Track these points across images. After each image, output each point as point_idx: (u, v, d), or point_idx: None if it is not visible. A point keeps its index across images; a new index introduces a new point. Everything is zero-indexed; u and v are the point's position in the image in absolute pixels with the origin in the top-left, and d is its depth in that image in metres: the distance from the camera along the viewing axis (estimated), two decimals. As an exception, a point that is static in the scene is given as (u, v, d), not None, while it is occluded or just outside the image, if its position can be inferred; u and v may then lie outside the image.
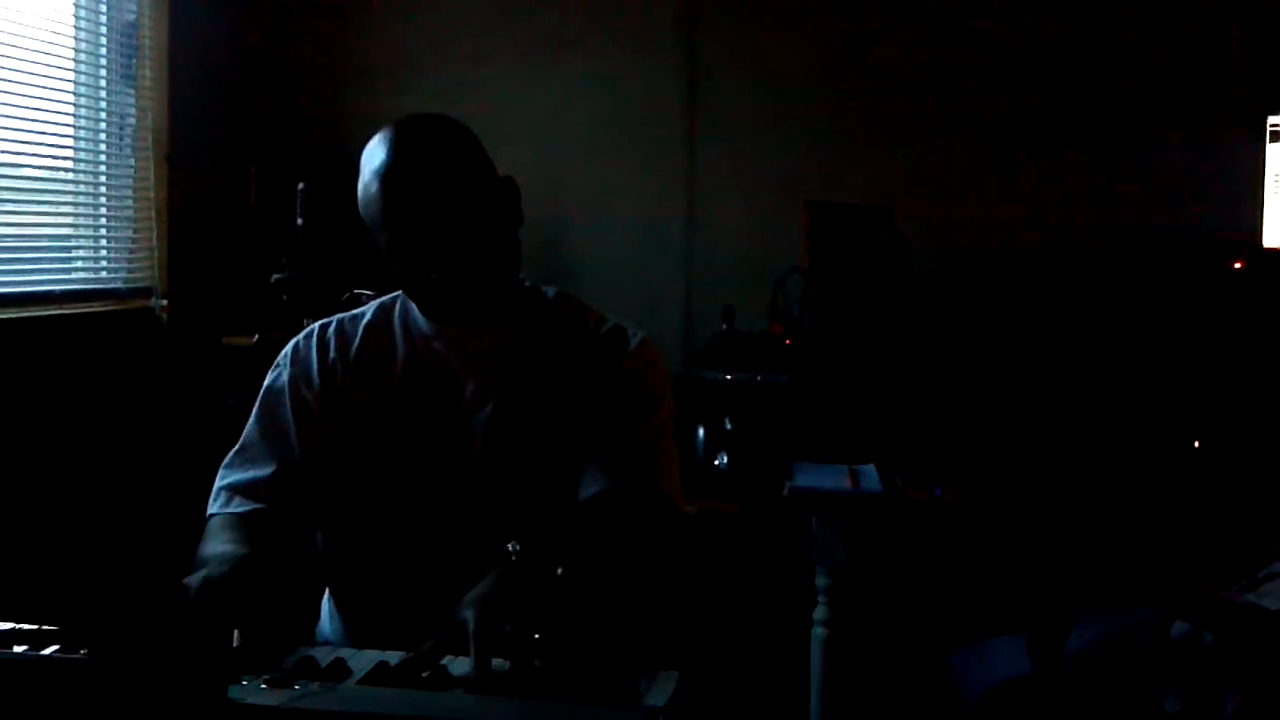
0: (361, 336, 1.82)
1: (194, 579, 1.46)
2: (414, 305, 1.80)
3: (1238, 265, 3.33)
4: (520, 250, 1.79)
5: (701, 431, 3.33)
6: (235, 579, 1.49)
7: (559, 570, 1.45)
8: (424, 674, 1.31)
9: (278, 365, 1.84)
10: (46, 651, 1.27)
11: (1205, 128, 3.56)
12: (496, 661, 1.31)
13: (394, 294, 1.85)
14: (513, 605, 1.36)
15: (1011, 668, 2.40)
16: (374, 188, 1.66)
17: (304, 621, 1.87)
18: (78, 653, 1.25)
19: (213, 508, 1.76)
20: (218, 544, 1.64)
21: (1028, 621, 2.26)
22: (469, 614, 1.36)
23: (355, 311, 1.88)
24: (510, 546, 1.48)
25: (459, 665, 1.33)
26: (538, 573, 1.44)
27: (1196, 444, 3.16)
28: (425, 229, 1.64)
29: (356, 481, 1.76)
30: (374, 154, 1.68)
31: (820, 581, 2.96)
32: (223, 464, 1.80)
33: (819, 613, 2.97)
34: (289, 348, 1.85)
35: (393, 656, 1.36)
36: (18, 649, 1.28)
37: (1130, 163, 3.62)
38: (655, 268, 3.88)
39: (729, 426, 3.32)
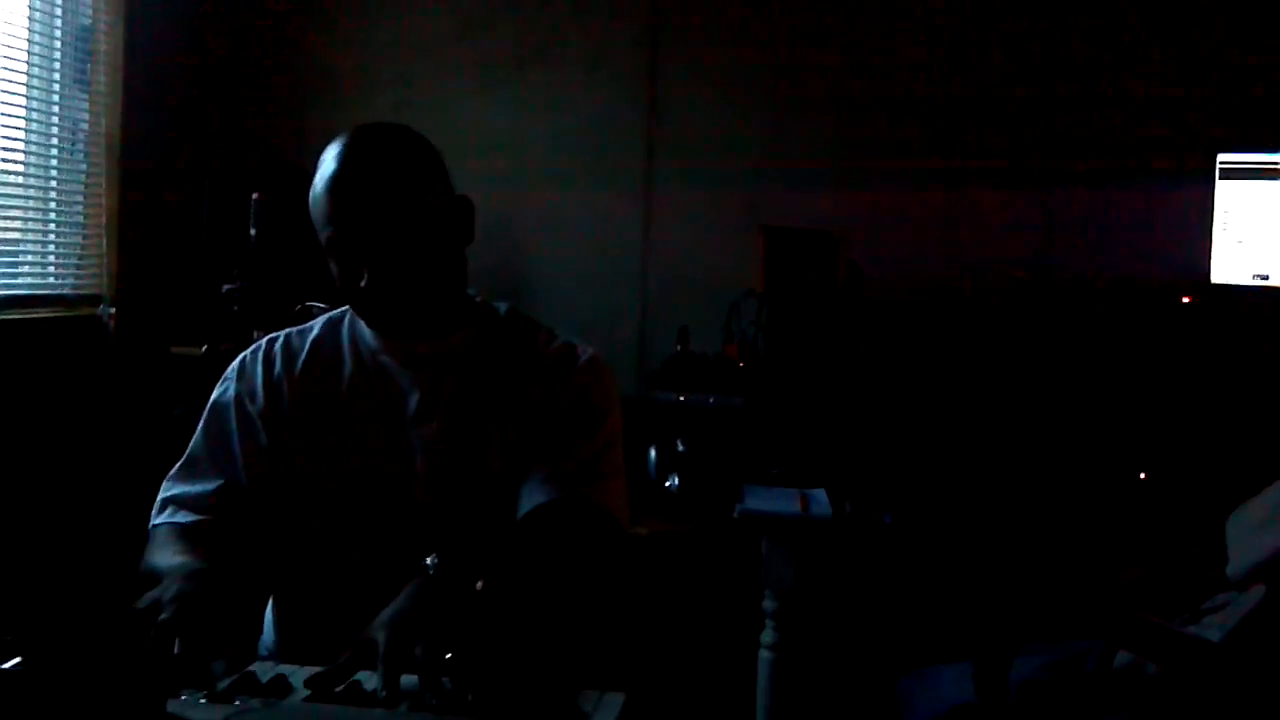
0: (309, 351, 1.81)
1: (165, 593, 1.44)
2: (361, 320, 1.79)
3: (1186, 300, 3.38)
4: (466, 266, 1.78)
5: (653, 452, 3.33)
6: (205, 593, 1.47)
7: (478, 584, 1.43)
8: (337, 689, 1.29)
9: (225, 379, 1.83)
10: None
11: (1155, 165, 3.61)
12: (408, 679, 1.29)
13: (343, 309, 1.84)
14: (424, 624, 1.34)
15: (957, 695, 2.40)
16: (321, 184, 1.67)
17: (249, 633, 1.85)
18: (11, 662, 1.22)
19: (157, 519, 1.75)
20: (168, 555, 1.62)
21: (973, 649, 2.26)
22: (380, 634, 1.34)
23: (304, 326, 1.87)
24: (428, 560, 1.47)
25: (372, 681, 1.31)
26: (455, 588, 1.42)
27: (1143, 475, 3.20)
28: (362, 228, 1.64)
29: (301, 496, 1.75)
30: (329, 151, 1.68)
31: (768, 604, 2.96)
32: (167, 476, 1.79)
33: (766, 636, 2.97)
34: (236, 362, 1.85)
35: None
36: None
37: (1083, 200, 3.67)
38: (611, 288, 3.88)
39: (681, 448, 3.32)
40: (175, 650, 1.34)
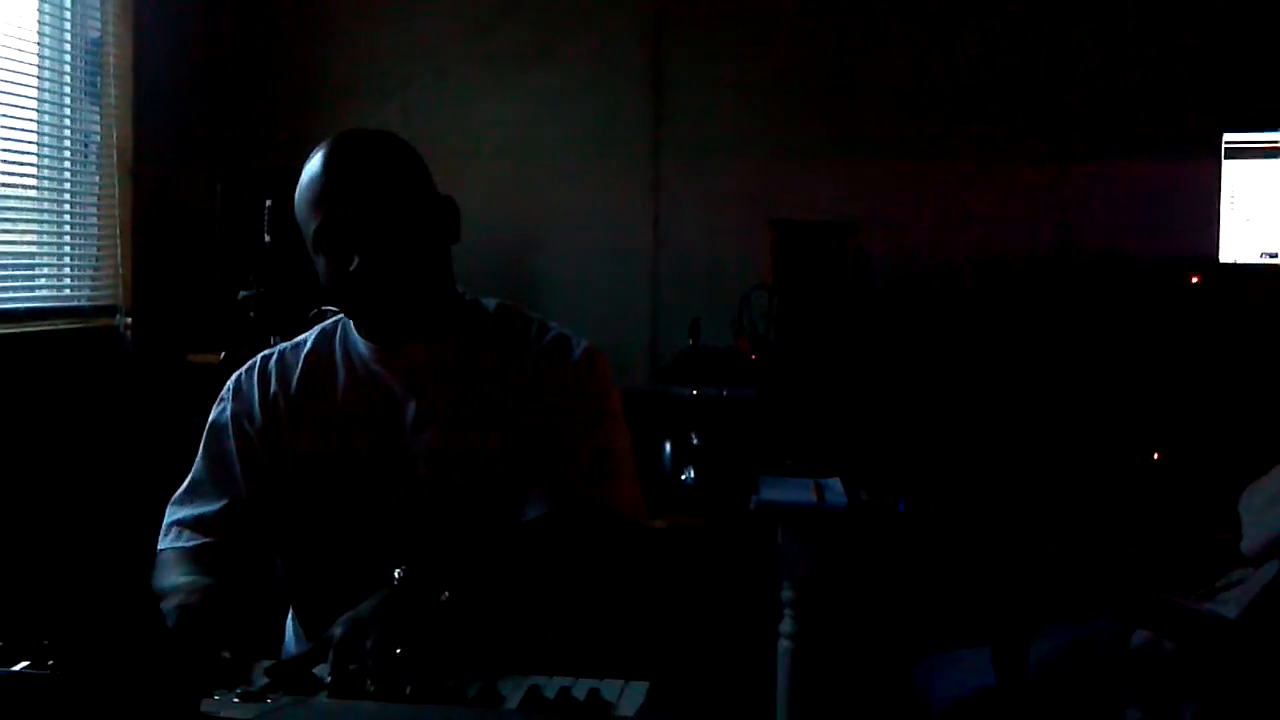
0: (303, 366, 1.82)
1: (168, 606, 1.47)
2: (353, 328, 1.80)
3: (1195, 280, 3.38)
4: (452, 267, 1.78)
5: (668, 446, 3.34)
6: (209, 606, 1.51)
7: (444, 595, 1.46)
8: (294, 682, 1.34)
9: (221, 400, 1.84)
10: (16, 668, 1.27)
11: (1162, 145, 3.61)
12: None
13: (335, 319, 1.85)
14: (379, 622, 1.38)
15: (976, 679, 2.42)
16: (308, 178, 1.69)
17: (269, 643, 1.87)
18: (45, 668, 1.25)
19: (163, 543, 1.76)
20: (176, 576, 1.64)
21: (991, 633, 2.28)
22: (336, 629, 1.40)
23: (297, 340, 1.87)
24: (396, 572, 1.49)
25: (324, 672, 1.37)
26: (417, 597, 1.45)
27: (1157, 455, 3.20)
28: (351, 211, 1.65)
29: (307, 508, 1.76)
30: (313, 155, 1.71)
31: (786, 594, 2.98)
32: (171, 500, 1.80)
33: (785, 625, 2.98)
34: (231, 381, 1.85)
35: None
36: (-12, 666, 1.28)
37: (1089, 180, 3.67)
38: (622, 283, 3.89)
39: (695, 441, 3.33)
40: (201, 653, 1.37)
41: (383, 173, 1.68)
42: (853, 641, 3.42)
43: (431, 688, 1.31)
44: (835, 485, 3.05)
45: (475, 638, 1.45)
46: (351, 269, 1.65)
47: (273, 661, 1.40)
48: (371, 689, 1.32)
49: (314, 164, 1.69)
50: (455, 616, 1.45)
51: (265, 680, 1.34)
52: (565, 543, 1.66)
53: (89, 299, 3.48)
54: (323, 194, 1.67)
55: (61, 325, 3.33)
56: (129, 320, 3.52)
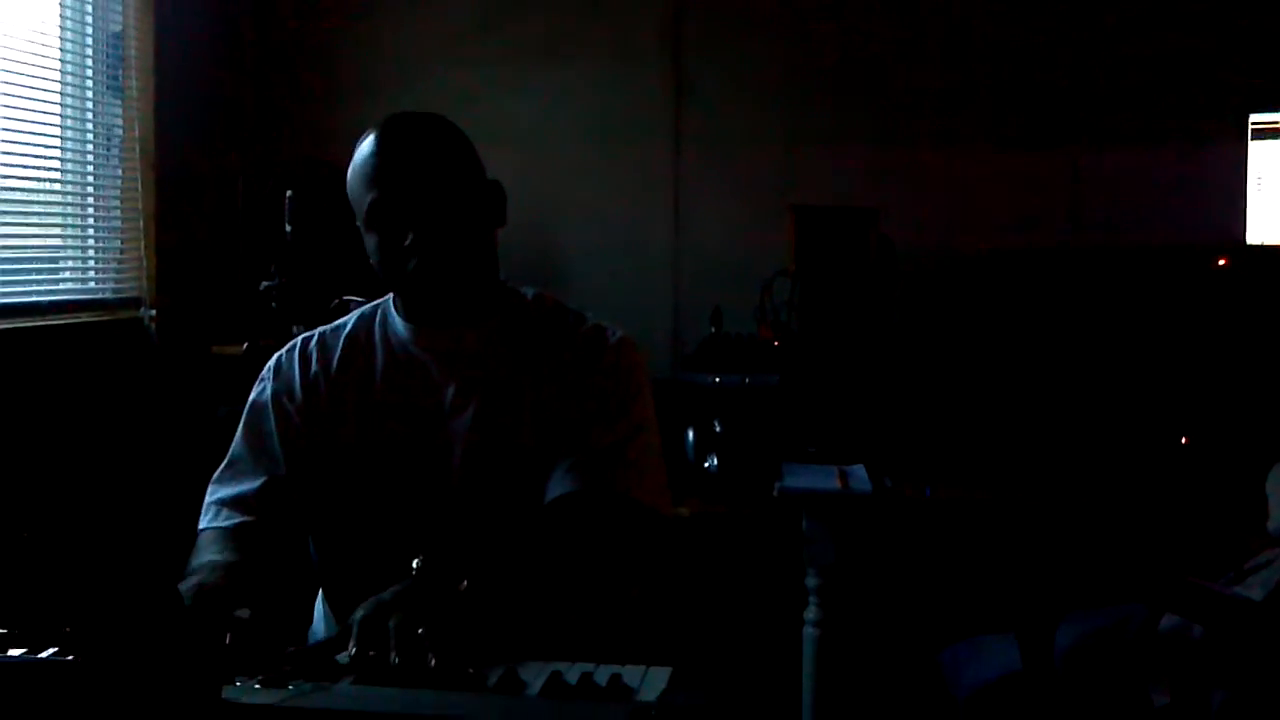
0: (343, 347, 1.83)
1: (185, 585, 1.48)
2: (393, 312, 1.81)
3: (1222, 263, 3.36)
4: (497, 251, 1.80)
5: (691, 434, 3.34)
6: (226, 585, 1.52)
7: (463, 584, 1.46)
8: (317, 668, 1.33)
9: (262, 379, 1.85)
10: (41, 655, 1.28)
11: (1188, 127, 3.58)
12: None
13: (375, 303, 1.86)
14: (401, 605, 1.39)
15: (1002, 664, 2.41)
16: (362, 157, 1.71)
17: (297, 625, 1.88)
18: (71, 656, 1.25)
19: (203, 522, 1.77)
20: (207, 555, 1.66)
21: (1018, 618, 2.27)
22: (359, 612, 1.40)
23: (337, 322, 1.89)
24: (415, 563, 1.50)
25: (345, 658, 1.36)
26: (437, 585, 1.45)
27: (1184, 439, 3.18)
28: (407, 188, 1.67)
29: (343, 490, 1.77)
30: (366, 136, 1.73)
31: (811, 582, 2.97)
32: (212, 479, 1.81)
33: (810, 613, 2.98)
34: (272, 361, 1.86)
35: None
36: (13, 653, 1.29)
37: (1114, 163, 3.64)
38: (643, 272, 3.89)
39: (718, 429, 3.33)
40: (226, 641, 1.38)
41: (436, 152, 1.71)
42: (878, 628, 3.42)
43: (454, 670, 1.31)
44: (859, 472, 3.04)
45: (496, 623, 1.45)
46: (406, 245, 1.67)
47: (295, 648, 1.40)
48: (395, 663, 1.32)
49: (367, 144, 1.72)
50: (475, 603, 1.45)
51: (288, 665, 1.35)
52: (582, 527, 1.66)
53: (113, 292, 3.49)
54: (378, 172, 1.69)
55: (86, 318, 3.34)
56: (153, 312, 3.53)
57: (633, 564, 1.71)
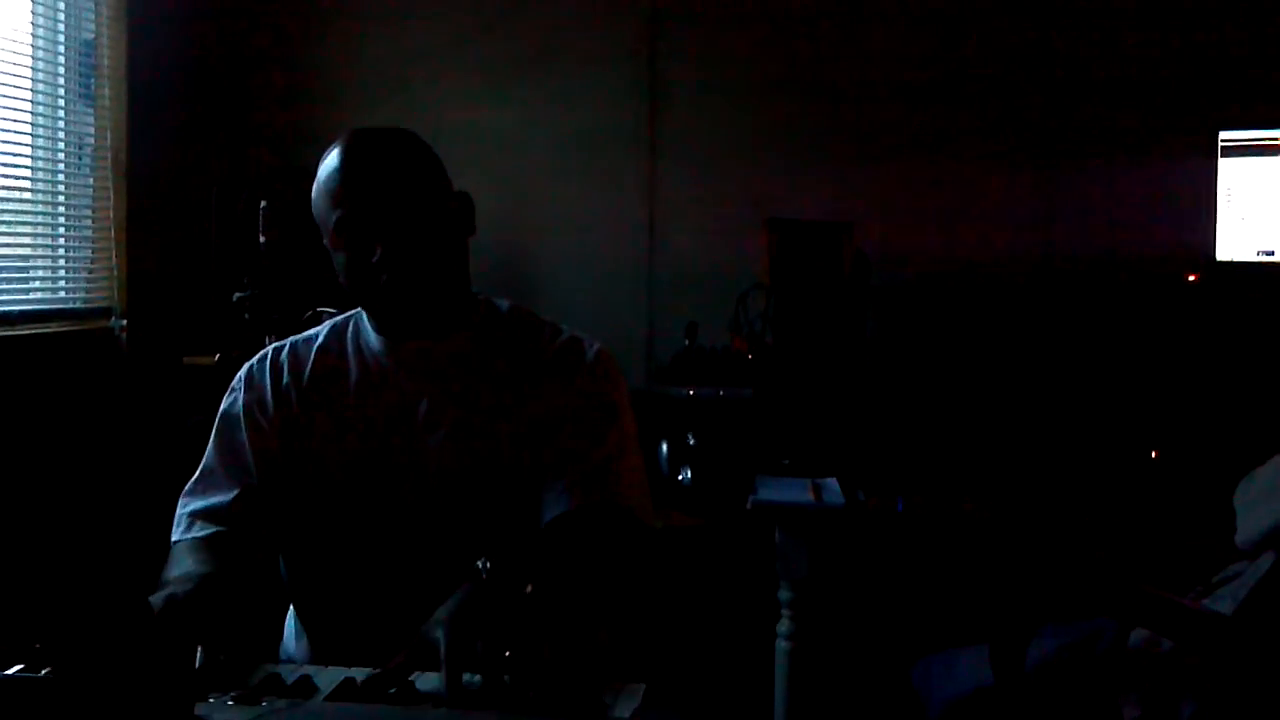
0: (314, 358, 1.82)
1: (157, 597, 1.46)
2: (366, 323, 1.80)
3: (1192, 278, 3.38)
4: (469, 261, 1.79)
5: (665, 446, 3.34)
6: (198, 596, 1.51)
7: (528, 588, 1.44)
8: (391, 690, 1.31)
9: (233, 390, 1.84)
10: (10, 671, 1.26)
11: (1157, 144, 3.62)
12: (466, 677, 1.31)
13: (347, 314, 1.85)
14: (483, 623, 1.36)
15: (974, 678, 2.41)
16: (328, 172, 1.69)
17: (268, 640, 1.86)
18: (41, 672, 1.24)
19: (175, 534, 1.75)
20: (180, 567, 1.64)
21: (990, 632, 2.27)
22: (440, 632, 1.36)
23: (309, 333, 1.87)
24: (480, 564, 1.48)
25: (426, 681, 1.34)
26: (508, 591, 1.43)
27: (1154, 453, 3.20)
28: (374, 202, 1.66)
29: (316, 502, 1.76)
30: (331, 150, 1.72)
31: (784, 594, 2.97)
32: (184, 491, 1.79)
33: (783, 626, 2.97)
34: (243, 372, 1.85)
35: (359, 673, 1.37)
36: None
37: (1086, 179, 3.67)
38: (618, 285, 3.89)
39: (692, 441, 3.33)
40: (198, 659, 1.36)
41: (402, 165, 1.70)
42: (851, 641, 3.42)
43: (570, 696, 1.30)
44: (832, 485, 3.04)
45: (561, 632, 1.44)
46: (374, 260, 1.66)
47: (373, 671, 1.37)
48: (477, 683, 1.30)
49: (332, 159, 1.70)
50: (541, 610, 1.43)
51: (262, 679, 1.34)
52: (590, 540, 1.66)
53: (84, 301, 3.47)
54: (344, 187, 1.67)
55: (56, 328, 3.32)
56: (124, 322, 3.51)
57: (632, 573, 1.71)
